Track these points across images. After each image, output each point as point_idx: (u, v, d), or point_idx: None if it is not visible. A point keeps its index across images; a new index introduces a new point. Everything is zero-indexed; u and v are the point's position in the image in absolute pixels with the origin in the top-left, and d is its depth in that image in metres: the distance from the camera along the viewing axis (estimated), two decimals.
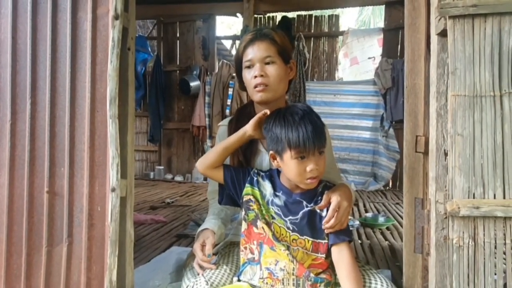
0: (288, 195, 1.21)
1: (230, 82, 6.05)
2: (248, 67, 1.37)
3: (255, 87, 1.34)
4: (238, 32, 6.98)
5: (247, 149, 1.42)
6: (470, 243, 1.00)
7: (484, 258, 0.99)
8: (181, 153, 6.31)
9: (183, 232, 2.53)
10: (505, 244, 0.99)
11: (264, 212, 1.23)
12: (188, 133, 6.14)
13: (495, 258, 0.99)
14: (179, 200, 3.93)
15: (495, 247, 0.99)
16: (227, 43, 7.83)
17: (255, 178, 1.26)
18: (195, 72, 6.23)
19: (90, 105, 1.25)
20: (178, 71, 6.44)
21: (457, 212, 0.98)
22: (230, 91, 6.02)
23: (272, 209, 1.22)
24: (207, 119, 6.05)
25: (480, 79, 1.00)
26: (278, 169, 1.24)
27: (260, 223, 1.22)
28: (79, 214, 1.26)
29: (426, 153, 1.18)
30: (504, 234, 0.98)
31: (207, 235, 1.34)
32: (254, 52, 1.35)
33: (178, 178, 5.97)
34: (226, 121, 1.54)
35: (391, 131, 5.57)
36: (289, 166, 1.14)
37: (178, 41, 6.50)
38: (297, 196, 1.20)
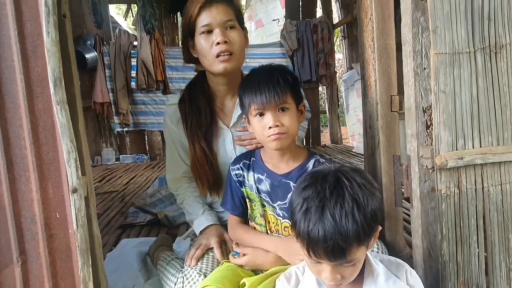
0: (273, 177, 1.14)
1: (132, 51, 5.56)
2: (205, 32, 1.23)
3: (218, 55, 1.21)
4: None
5: (208, 132, 1.31)
6: (455, 191, 1.08)
7: (467, 203, 1.09)
8: None
9: (127, 222, 2.30)
10: (482, 187, 1.09)
11: (254, 207, 1.18)
12: (91, 112, 5.53)
13: (476, 201, 1.09)
14: (99, 187, 3.55)
15: (475, 192, 1.09)
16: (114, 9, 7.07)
17: (240, 178, 1.20)
18: (88, 42, 5.54)
19: (25, 90, 0.99)
20: None
21: (445, 165, 1.04)
22: (134, 62, 5.55)
23: (261, 197, 1.16)
24: (110, 94, 5.51)
25: (457, 36, 1.05)
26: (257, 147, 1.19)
27: (253, 224, 1.20)
28: (31, 225, 1.03)
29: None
30: (482, 179, 1.09)
31: (220, 231, 1.27)
32: (213, 16, 1.20)
33: None
34: (175, 99, 1.38)
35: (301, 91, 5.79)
36: (253, 125, 1.12)
37: None
38: (282, 177, 1.13)
